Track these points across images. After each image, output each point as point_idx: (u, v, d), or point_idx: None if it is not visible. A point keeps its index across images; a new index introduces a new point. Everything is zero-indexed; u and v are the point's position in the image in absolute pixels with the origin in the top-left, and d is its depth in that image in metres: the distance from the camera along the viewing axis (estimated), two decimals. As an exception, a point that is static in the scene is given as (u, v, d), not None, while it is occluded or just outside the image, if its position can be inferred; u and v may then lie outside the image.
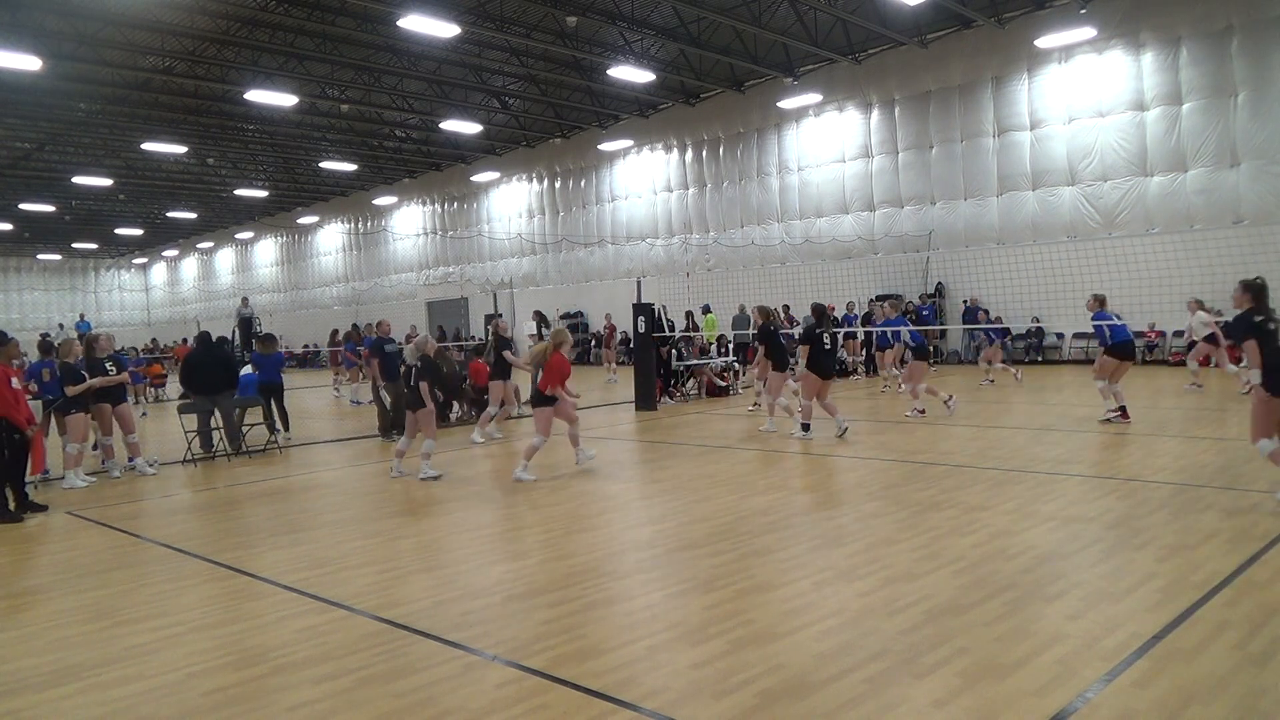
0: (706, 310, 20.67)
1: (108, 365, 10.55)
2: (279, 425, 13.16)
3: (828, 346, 10.95)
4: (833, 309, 19.66)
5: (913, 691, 3.64)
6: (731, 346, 19.96)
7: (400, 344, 13.50)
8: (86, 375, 10.11)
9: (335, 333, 25.16)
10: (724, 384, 17.55)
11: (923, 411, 12.27)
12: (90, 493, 9.59)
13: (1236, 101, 18.37)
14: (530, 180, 33.92)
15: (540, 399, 9.20)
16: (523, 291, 32.73)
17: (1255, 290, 7.04)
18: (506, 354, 11.92)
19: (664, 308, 17.93)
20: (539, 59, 24.69)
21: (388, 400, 12.86)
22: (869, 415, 13.22)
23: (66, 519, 8.25)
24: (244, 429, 12.66)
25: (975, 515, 6.59)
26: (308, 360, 37.34)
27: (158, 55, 22.10)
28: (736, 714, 3.52)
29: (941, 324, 21.97)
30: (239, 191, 37.08)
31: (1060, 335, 21.20)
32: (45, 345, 11.99)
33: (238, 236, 48.64)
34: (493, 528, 7.13)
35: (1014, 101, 21.49)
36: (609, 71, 23.09)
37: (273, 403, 13.21)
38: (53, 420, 10.45)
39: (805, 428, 10.94)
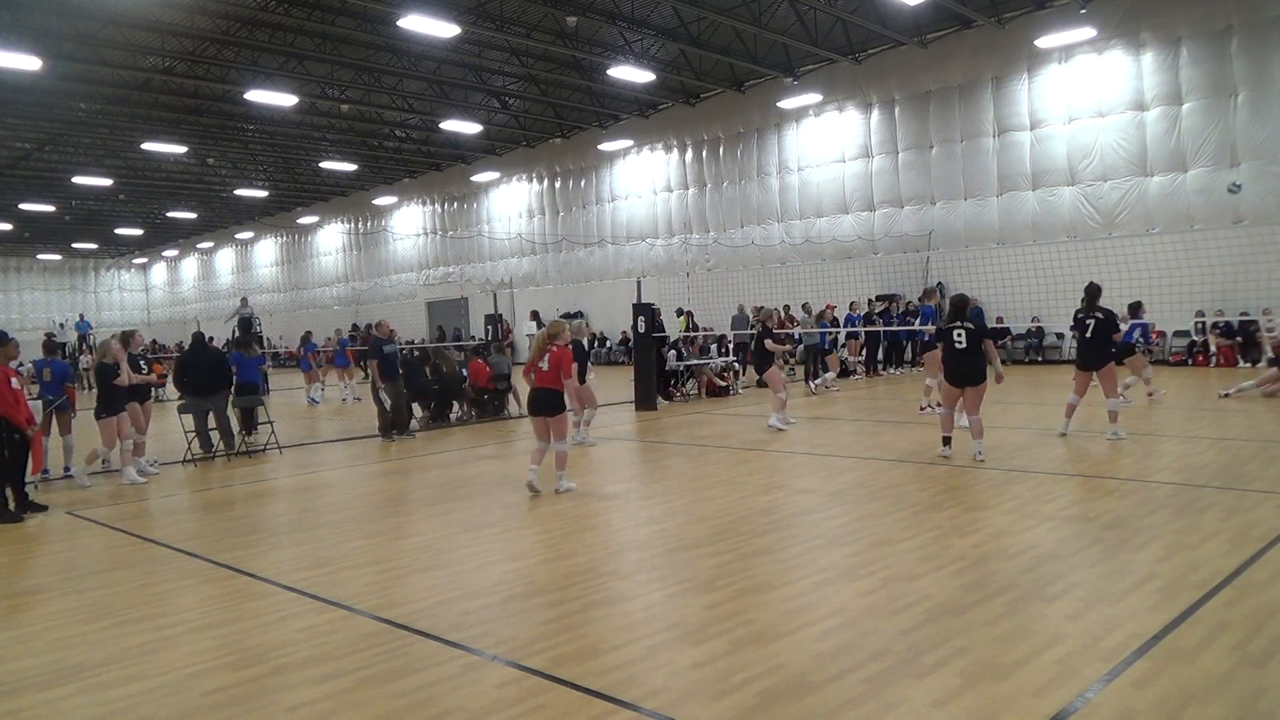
0: (679, 313, 21.02)
1: (141, 363, 10.62)
2: (241, 428, 12.63)
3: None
4: (833, 308, 19.74)
5: (913, 691, 3.64)
6: (731, 347, 19.99)
7: (399, 344, 13.48)
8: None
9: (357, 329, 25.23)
10: (724, 384, 17.54)
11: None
12: (90, 493, 9.60)
13: (1236, 101, 18.36)
14: (530, 180, 33.90)
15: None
16: (523, 291, 32.74)
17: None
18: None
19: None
20: (539, 59, 24.68)
21: (387, 401, 12.86)
22: (872, 415, 13.22)
23: (66, 519, 8.25)
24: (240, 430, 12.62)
25: (975, 515, 6.58)
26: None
27: (158, 55, 22.10)
28: (736, 714, 3.52)
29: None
30: (239, 191, 37.08)
31: (1060, 335, 21.19)
32: (50, 345, 12.03)
33: (238, 236, 48.62)
34: (493, 528, 7.13)
35: (1014, 101, 21.48)
36: (609, 71, 23.08)
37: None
38: (53, 420, 10.46)
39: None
